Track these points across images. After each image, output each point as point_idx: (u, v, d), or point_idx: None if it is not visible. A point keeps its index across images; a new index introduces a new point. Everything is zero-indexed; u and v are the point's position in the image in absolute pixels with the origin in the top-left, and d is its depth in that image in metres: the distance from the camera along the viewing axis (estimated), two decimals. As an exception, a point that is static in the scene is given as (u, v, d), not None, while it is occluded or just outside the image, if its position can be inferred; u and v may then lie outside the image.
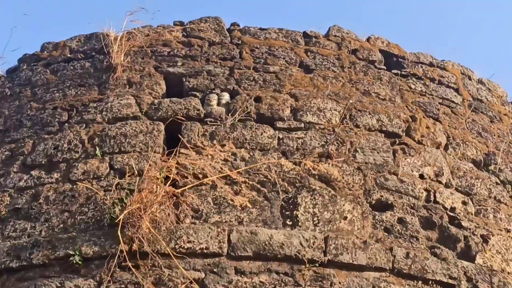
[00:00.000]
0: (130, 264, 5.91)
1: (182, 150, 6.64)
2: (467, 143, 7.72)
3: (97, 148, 6.77)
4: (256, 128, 6.96)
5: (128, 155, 6.70)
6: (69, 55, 7.93)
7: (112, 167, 6.65)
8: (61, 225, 6.34)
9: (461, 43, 23.12)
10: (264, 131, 6.95)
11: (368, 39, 8.41)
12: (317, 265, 6.12)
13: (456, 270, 6.50)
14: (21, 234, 6.37)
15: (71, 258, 6.02)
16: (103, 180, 6.56)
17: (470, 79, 8.67)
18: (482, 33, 25.09)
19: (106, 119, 7.06)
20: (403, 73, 8.12)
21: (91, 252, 6.07)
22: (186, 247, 6.06)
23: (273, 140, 6.90)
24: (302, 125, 7.08)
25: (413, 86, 8.02)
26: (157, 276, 5.94)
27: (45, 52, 8.13)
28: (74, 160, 6.77)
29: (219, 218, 6.27)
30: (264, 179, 6.56)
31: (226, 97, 7.27)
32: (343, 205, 6.52)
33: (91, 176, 6.60)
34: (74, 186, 6.55)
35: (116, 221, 6.02)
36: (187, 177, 6.47)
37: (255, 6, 23.82)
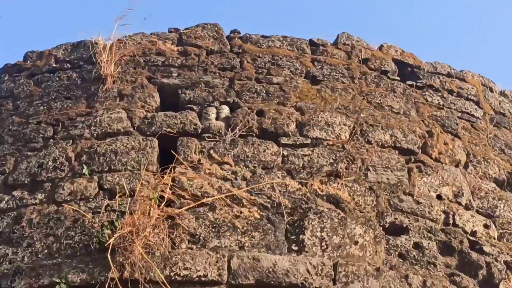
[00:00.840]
0: (121, 293, 5.92)
1: (178, 168, 6.67)
2: (488, 160, 7.75)
3: (85, 167, 6.79)
4: (258, 145, 6.99)
5: (118, 173, 6.73)
6: (54, 65, 7.98)
7: (102, 187, 6.67)
8: (46, 251, 6.35)
9: (481, 52, 23.22)
10: (267, 148, 6.98)
11: (380, 48, 8.46)
12: (325, 294, 6.13)
13: (478, 300, 6.52)
14: (1, 260, 6.38)
15: (56, 287, 6.02)
16: (92, 201, 6.58)
17: (491, 91, 8.72)
18: (504, 41, 25.20)
19: (94, 134, 7.08)
20: (418, 84, 8.16)
21: (78, 280, 6.07)
22: (182, 274, 6.06)
23: (277, 158, 6.93)
24: (309, 141, 7.11)
25: (429, 99, 8.06)
26: (150, 306, 5.95)
27: (29, 61, 8.17)
28: (60, 180, 6.79)
29: (218, 242, 6.29)
30: (268, 200, 6.58)
31: (225, 110, 7.30)
32: (354, 228, 6.53)
33: (79, 197, 6.62)
34: (60, 208, 6.56)
35: (106, 245, 6.02)
36: (183, 198, 6.48)
37: (257, 13, 23.96)
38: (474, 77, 8.68)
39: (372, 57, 8.21)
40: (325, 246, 6.37)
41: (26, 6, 22.93)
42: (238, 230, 6.34)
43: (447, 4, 25.69)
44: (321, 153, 7.01)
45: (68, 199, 6.62)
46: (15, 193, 6.81)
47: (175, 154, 6.78)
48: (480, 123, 8.16)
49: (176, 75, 7.61)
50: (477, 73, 8.79)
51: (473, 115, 8.18)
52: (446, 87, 8.29)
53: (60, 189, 6.71)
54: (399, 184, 7.00)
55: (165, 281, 5.95)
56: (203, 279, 6.06)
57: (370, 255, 6.46)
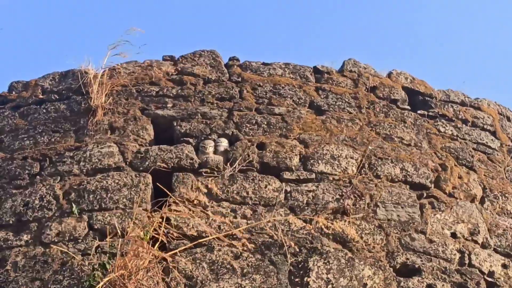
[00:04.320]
0: None
1: (173, 206, 6.68)
2: (506, 195, 7.77)
3: (74, 205, 6.81)
4: (259, 180, 7.02)
5: (110, 212, 6.74)
6: (41, 96, 8.04)
7: (91, 227, 6.69)
8: (32, 296, 6.36)
9: (498, 79, 23.28)
10: (269, 184, 7.01)
11: (389, 75, 8.52)
12: None
13: None
14: (-16, 306, 6.39)
15: (43, 335, 6.03)
16: (81, 243, 6.59)
17: (509, 120, 8.76)
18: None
19: (84, 170, 7.12)
20: (430, 113, 8.21)
21: (66, 328, 6.08)
22: (178, 321, 6.07)
23: (279, 194, 6.95)
24: (313, 176, 7.14)
25: (442, 129, 8.10)
26: None
27: (14, 92, 8.23)
28: (47, 219, 6.80)
29: (216, 286, 6.29)
30: (269, 240, 6.59)
31: (224, 143, 7.34)
32: (362, 269, 6.54)
33: (67, 238, 6.63)
34: (47, 250, 6.57)
35: (96, 290, 6.03)
36: (178, 238, 6.49)
37: (257, 39, 24.08)
38: (490, 105, 8.73)
39: (380, 85, 8.26)
40: (332, 289, 6.38)
41: (11, 33, 23.10)
42: (238, 272, 6.35)
43: (459, 29, 25.83)
44: (326, 189, 7.04)
45: (56, 240, 6.62)
46: (-1, 234, 6.82)
47: (169, 191, 6.80)
48: (497, 155, 8.19)
49: (171, 106, 7.66)
50: (493, 101, 8.84)
51: (489, 147, 8.21)
52: (460, 117, 8.34)
53: (47, 229, 6.71)
54: (410, 221, 7.02)
55: (159, 328, 5.95)
56: (200, 325, 6.06)
57: (380, 298, 6.47)
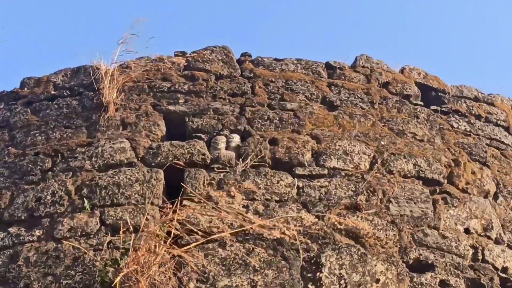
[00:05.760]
0: (124, 337, 5.94)
1: (185, 202, 6.70)
2: (520, 191, 7.75)
3: (86, 201, 6.83)
4: (271, 176, 7.03)
5: (122, 208, 6.76)
6: (53, 92, 8.07)
7: (104, 222, 6.71)
8: (44, 291, 6.38)
9: (509, 76, 23.22)
10: (281, 179, 7.01)
11: (401, 70, 8.51)
12: (345, 337, 6.13)
13: None
14: (-3, 302, 6.42)
15: (55, 330, 6.05)
16: (93, 238, 6.61)
17: (522, 116, 8.74)
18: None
19: (96, 166, 7.14)
20: (443, 109, 8.20)
21: (78, 323, 6.11)
22: (190, 316, 6.08)
23: (291, 190, 6.96)
24: (326, 171, 7.15)
25: (455, 125, 8.09)
26: None
27: (26, 88, 8.26)
28: (59, 215, 6.83)
29: (228, 281, 6.30)
30: (282, 236, 6.59)
31: (236, 139, 7.35)
32: (375, 265, 6.54)
33: (79, 233, 6.65)
34: (59, 245, 6.59)
35: (111, 286, 6.03)
36: (191, 234, 6.50)
37: (270, 35, 24.07)
38: (504, 101, 8.72)
39: (393, 81, 8.26)
40: (344, 285, 6.36)
41: (23, 30, 23.17)
42: (250, 268, 6.36)
43: (473, 24, 25.76)
44: (339, 184, 7.04)
45: (68, 236, 6.64)
46: (11, 229, 6.84)
47: (183, 185, 6.81)
48: (511, 150, 8.18)
49: (183, 101, 7.68)
50: (506, 96, 8.82)
51: (503, 142, 8.20)
52: (473, 112, 8.33)
53: (59, 225, 6.73)
54: (423, 217, 7.01)
55: (172, 324, 5.97)
56: (212, 321, 6.08)
57: (392, 294, 6.47)
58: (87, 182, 6.99)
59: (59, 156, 7.31)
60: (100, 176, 7.01)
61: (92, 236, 6.62)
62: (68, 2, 23.84)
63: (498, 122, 8.39)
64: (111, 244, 6.49)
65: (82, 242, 6.57)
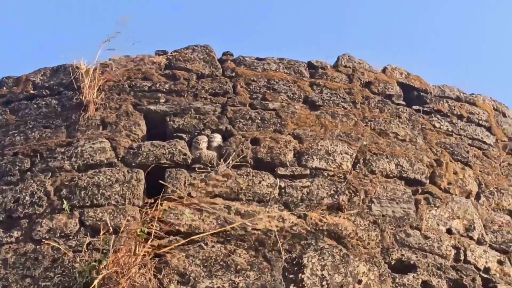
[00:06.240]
0: None
1: (166, 202, 6.65)
2: (502, 191, 7.76)
3: (65, 201, 6.78)
4: (253, 176, 6.99)
5: (101, 209, 6.71)
6: (32, 92, 8.01)
7: (83, 223, 6.65)
8: (22, 293, 6.33)
9: (493, 74, 23.32)
10: (263, 179, 6.98)
11: (384, 70, 8.51)
12: (327, 338, 6.11)
13: None
14: (-26, 304, 6.35)
15: (34, 333, 5.99)
16: (72, 239, 6.55)
17: (504, 115, 8.76)
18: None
19: (75, 166, 7.09)
20: (425, 109, 8.20)
21: (57, 325, 6.06)
22: (171, 318, 6.04)
23: (273, 190, 6.93)
24: (308, 171, 7.12)
25: (437, 125, 8.09)
26: None
27: (4, 88, 8.20)
28: (38, 216, 6.77)
29: (210, 283, 6.26)
30: (263, 236, 6.56)
31: (217, 139, 7.31)
32: (357, 266, 6.52)
33: (58, 235, 6.60)
34: (38, 247, 6.54)
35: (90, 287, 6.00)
36: (171, 235, 6.47)
37: (252, 34, 24.04)
38: (486, 101, 8.73)
39: (375, 80, 8.25)
40: (326, 286, 6.34)
41: (1, 28, 23.03)
42: (232, 269, 6.32)
43: (456, 24, 25.85)
44: (321, 185, 7.02)
45: (47, 237, 6.59)
46: (-11, 230, 6.79)
47: (164, 185, 6.77)
48: (493, 150, 8.18)
49: (164, 101, 7.63)
50: (488, 96, 8.84)
51: (484, 142, 8.20)
52: (455, 112, 8.33)
53: (38, 226, 6.68)
54: (405, 217, 7.00)
55: (152, 326, 5.93)
56: (193, 323, 6.04)
57: (375, 295, 6.45)
58: (67, 183, 6.94)
59: (38, 156, 7.26)
60: (79, 177, 6.96)
61: (71, 237, 6.57)
62: (49, 1, 23.72)
63: (480, 122, 8.40)
64: (91, 245, 6.45)
65: (61, 243, 6.52)
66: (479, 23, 25.65)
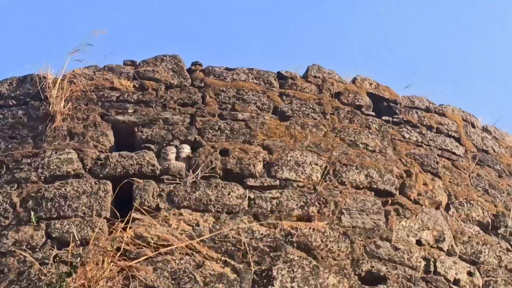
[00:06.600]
0: None
1: (134, 214, 6.60)
2: (471, 202, 7.78)
3: (32, 213, 6.70)
4: (222, 187, 6.95)
5: (68, 220, 6.64)
6: (-2, 102, 7.91)
7: (50, 235, 6.58)
8: (-13, 307, 6.24)
9: (461, 84, 23.49)
10: (232, 190, 6.94)
11: (353, 81, 8.51)
12: None
13: None
14: None
15: None
16: (39, 252, 6.47)
17: (473, 126, 8.79)
18: (485, 72, 25.54)
19: (42, 177, 7.01)
20: (395, 120, 8.21)
21: None
22: (138, 331, 5.99)
23: (242, 201, 6.90)
24: (277, 182, 7.09)
25: (407, 135, 8.10)
26: None
27: (-30, 97, 8.09)
28: (3, 228, 6.68)
29: (178, 295, 6.22)
30: (233, 248, 6.53)
31: (186, 150, 7.27)
32: (327, 278, 6.50)
33: (24, 247, 6.51)
34: (3, 259, 6.45)
35: (56, 301, 5.94)
36: (139, 247, 6.41)
37: (221, 45, 24.04)
38: (455, 111, 8.76)
39: (345, 91, 8.25)
40: (296, 298, 6.33)
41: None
42: (200, 281, 6.28)
43: (423, 32, 26.03)
44: (290, 196, 7.00)
45: (12, 249, 6.50)
46: (-47, 243, 6.68)
47: (130, 198, 6.72)
48: (462, 161, 8.21)
49: (132, 111, 7.58)
50: (457, 107, 8.88)
51: (454, 153, 8.23)
52: (424, 123, 8.35)
53: (4, 238, 6.59)
54: (375, 228, 6.99)
55: None
56: (162, 336, 5.99)
57: (345, 307, 6.44)
58: (33, 194, 6.86)
59: (4, 168, 7.17)
60: (46, 188, 6.88)
61: (37, 249, 6.50)
62: (15, 10, 23.54)
63: (450, 132, 8.42)
64: (58, 258, 6.38)
65: (27, 256, 6.43)
66: (446, 35, 25.84)
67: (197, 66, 8.17)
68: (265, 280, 6.38)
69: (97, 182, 6.90)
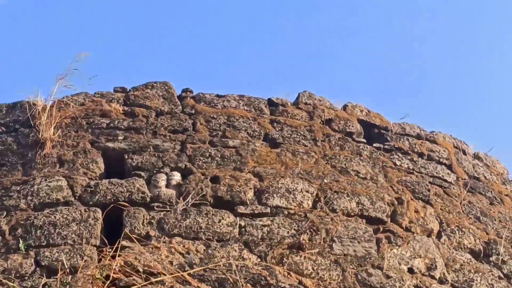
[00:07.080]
0: None
1: (124, 242, 6.56)
2: (463, 229, 7.77)
3: (21, 241, 6.65)
4: (213, 214, 6.93)
5: (58, 248, 6.59)
6: (-13, 128, 7.89)
7: (39, 263, 6.52)
8: (-25, 337, 6.19)
9: (452, 114, 23.57)
10: (223, 218, 6.92)
11: (344, 107, 8.53)
12: None
13: None
14: None
15: None
16: (28, 280, 6.41)
17: (464, 153, 8.81)
18: (477, 100, 25.63)
19: (31, 205, 6.96)
20: (386, 147, 8.22)
21: None
22: None
23: (233, 229, 6.87)
24: (268, 210, 7.07)
25: (398, 163, 8.11)
26: None
27: (-42, 124, 8.07)
28: (-8, 256, 6.63)
29: (168, 325, 6.18)
30: (223, 277, 6.49)
31: (176, 177, 7.25)
32: (319, 306, 6.47)
33: (13, 275, 6.45)
34: (-8, 288, 6.41)
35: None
36: (129, 276, 6.36)
37: (211, 72, 24.08)
38: (446, 138, 8.78)
39: (335, 118, 8.26)
40: (287, 327, 6.29)
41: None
42: (191, 310, 6.25)
43: (413, 58, 26.15)
44: (281, 223, 6.97)
45: (1, 278, 6.45)
46: None
47: (120, 226, 6.68)
48: (453, 188, 8.21)
49: (122, 138, 7.56)
50: (448, 134, 8.89)
51: (445, 180, 8.23)
52: (416, 150, 8.36)
53: (-8, 266, 6.55)
54: (367, 256, 6.97)
55: None
56: None
57: (336, 336, 6.40)
58: (22, 222, 6.81)
59: (-7, 195, 7.12)
60: (35, 216, 6.84)
61: (26, 278, 6.44)
62: (5, 36, 23.55)
63: (441, 160, 8.43)
64: (47, 286, 6.33)
65: (16, 284, 6.39)
66: (435, 59, 25.95)
67: (188, 92, 8.17)
68: (256, 309, 6.36)
69: (86, 210, 6.86)
